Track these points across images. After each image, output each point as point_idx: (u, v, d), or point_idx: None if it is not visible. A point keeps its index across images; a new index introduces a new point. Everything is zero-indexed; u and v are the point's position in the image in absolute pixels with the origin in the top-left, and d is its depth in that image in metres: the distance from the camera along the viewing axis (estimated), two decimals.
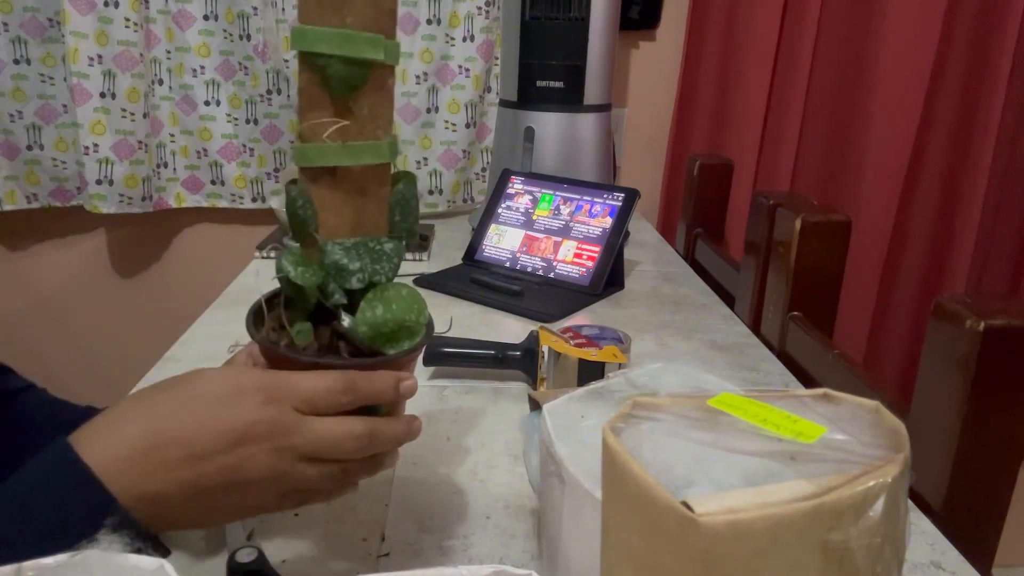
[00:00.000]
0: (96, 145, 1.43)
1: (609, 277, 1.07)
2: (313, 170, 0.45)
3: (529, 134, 1.26)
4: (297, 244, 0.46)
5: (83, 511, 0.39)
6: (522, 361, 0.78)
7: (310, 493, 0.45)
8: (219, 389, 0.42)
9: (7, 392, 0.62)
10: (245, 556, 0.50)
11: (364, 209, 0.46)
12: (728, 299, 1.14)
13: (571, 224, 1.13)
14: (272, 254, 1.20)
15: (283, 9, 1.46)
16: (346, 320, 0.45)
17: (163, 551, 0.43)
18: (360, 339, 0.44)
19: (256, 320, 0.46)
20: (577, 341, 0.72)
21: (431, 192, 1.58)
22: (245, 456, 0.41)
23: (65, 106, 1.48)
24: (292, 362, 0.44)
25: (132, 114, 1.45)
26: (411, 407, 0.73)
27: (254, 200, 1.59)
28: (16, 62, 1.45)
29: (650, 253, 1.33)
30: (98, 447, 0.40)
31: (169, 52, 1.49)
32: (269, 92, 1.51)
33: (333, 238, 0.46)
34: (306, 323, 0.46)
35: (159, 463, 0.40)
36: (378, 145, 0.45)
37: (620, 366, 0.68)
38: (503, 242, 1.16)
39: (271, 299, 0.47)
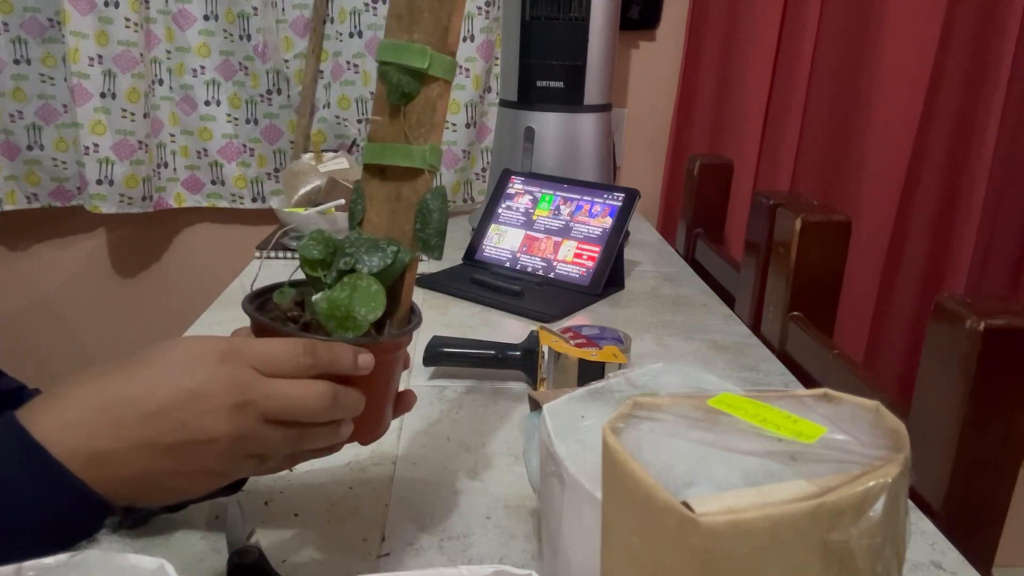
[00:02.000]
0: (96, 145, 1.43)
1: (609, 277, 1.07)
2: (370, 168, 0.49)
3: (529, 134, 1.26)
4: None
5: (23, 474, 0.38)
6: (522, 361, 0.78)
7: (265, 460, 0.44)
8: (172, 354, 0.42)
9: None
10: (245, 556, 0.50)
11: (397, 213, 0.49)
12: (728, 299, 1.14)
13: (571, 224, 1.13)
14: (269, 253, 1.20)
15: (283, 9, 1.47)
16: (318, 295, 0.47)
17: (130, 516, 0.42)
18: (317, 313, 0.46)
19: (253, 306, 0.48)
20: (577, 341, 0.72)
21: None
22: (203, 412, 0.40)
23: (65, 106, 1.48)
24: (269, 329, 0.45)
25: (132, 114, 1.45)
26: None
27: (254, 200, 1.59)
28: (16, 62, 1.45)
29: (650, 253, 1.33)
30: (43, 413, 0.40)
31: (169, 52, 1.49)
32: (269, 92, 1.51)
33: (372, 234, 0.49)
34: (291, 289, 0.49)
35: (111, 422, 0.40)
36: (408, 149, 0.48)
37: (620, 366, 0.68)
38: (503, 242, 1.16)
39: (270, 289, 0.50)
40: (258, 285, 0.49)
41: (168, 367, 0.41)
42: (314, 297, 0.47)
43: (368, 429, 0.48)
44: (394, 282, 0.48)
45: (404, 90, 0.48)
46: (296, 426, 0.43)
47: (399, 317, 0.49)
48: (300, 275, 0.50)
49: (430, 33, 0.47)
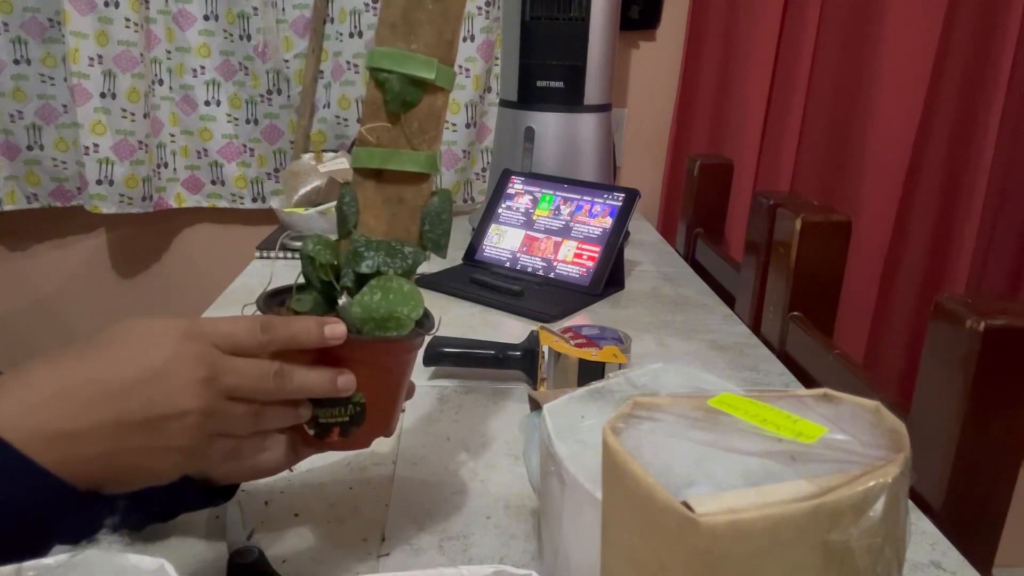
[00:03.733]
0: (96, 145, 1.43)
1: (609, 277, 1.07)
2: (363, 172, 0.50)
3: (529, 134, 1.26)
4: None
5: None
6: (522, 361, 0.78)
7: (236, 442, 0.44)
8: (135, 334, 0.42)
9: None
10: (245, 556, 0.50)
11: (399, 215, 0.50)
12: (728, 299, 1.14)
13: (571, 224, 1.13)
14: (272, 254, 1.20)
15: (283, 9, 1.47)
16: (343, 299, 0.48)
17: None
18: (351, 319, 0.46)
19: (267, 305, 0.49)
20: (577, 341, 0.72)
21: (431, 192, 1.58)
22: (172, 388, 0.40)
23: (65, 106, 1.48)
24: None
25: (132, 114, 1.45)
26: (412, 407, 0.73)
27: (254, 200, 1.59)
28: (16, 62, 1.45)
29: (650, 253, 1.33)
30: (2, 396, 0.38)
31: (169, 52, 1.50)
32: (269, 92, 1.51)
33: (370, 236, 0.49)
34: (308, 295, 0.49)
35: (75, 402, 0.39)
36: (417, 155, 0.49)
37: (620, 366, 0.68)
38: (503, 242, 1.16)
39: (283, 291, 0.51)
40: (254, 285, 0.50)
41: (132, 347, 0.41)
42: (341, 303, 0.48)
43: (376, 428, 0.49)
44: None
45: (406, 99, 0.48)
46: (253, 403, 0.43)
47: None
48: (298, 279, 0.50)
49: (433, 44, 0.48)
